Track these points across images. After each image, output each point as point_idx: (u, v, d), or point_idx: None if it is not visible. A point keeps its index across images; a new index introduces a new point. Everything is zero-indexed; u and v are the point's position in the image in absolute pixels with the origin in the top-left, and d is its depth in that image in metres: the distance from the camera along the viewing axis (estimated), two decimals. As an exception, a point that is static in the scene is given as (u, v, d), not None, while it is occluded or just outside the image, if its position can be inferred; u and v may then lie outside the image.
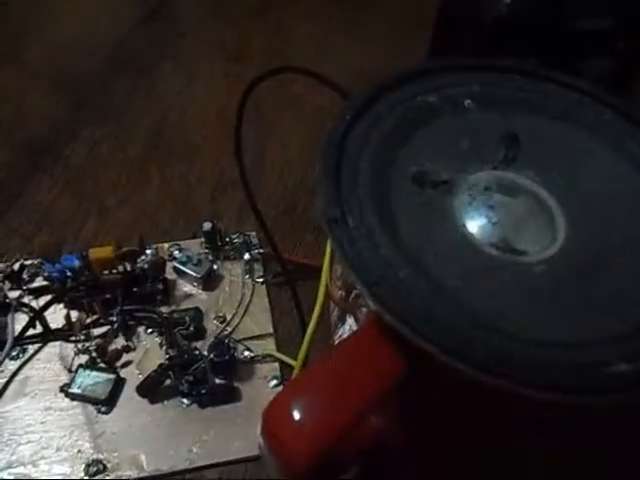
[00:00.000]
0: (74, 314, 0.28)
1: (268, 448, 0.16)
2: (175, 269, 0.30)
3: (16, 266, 0.29)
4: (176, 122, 0.39)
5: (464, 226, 0.18)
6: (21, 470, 0.24)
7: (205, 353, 0.26)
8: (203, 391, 0.26)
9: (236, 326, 0.29)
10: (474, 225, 0.18)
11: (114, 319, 0.27)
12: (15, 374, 0.27)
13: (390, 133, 0.19)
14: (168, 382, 0.26)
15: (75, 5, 0.47)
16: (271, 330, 0.29)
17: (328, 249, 0.22)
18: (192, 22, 0.47)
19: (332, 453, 0.15)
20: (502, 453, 0.19)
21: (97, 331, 0.28)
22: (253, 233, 0.32)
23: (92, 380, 0.26)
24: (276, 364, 0.28)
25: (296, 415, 0.15)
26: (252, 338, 0.28)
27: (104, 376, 0.26)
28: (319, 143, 0.18)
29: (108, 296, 0.28)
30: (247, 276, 0.31)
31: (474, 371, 0.14)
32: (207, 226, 0.30)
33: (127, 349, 0.27)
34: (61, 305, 0.29)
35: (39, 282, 0.29)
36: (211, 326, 0.29)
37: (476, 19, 0.30)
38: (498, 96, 0.20)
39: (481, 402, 0.17)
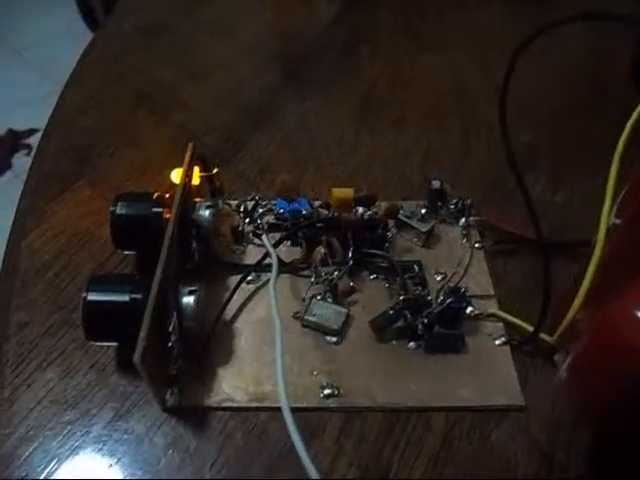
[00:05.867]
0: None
1: (603, 351, 0.15)
2: (397, 223, 0.31)
3: (250, 203, 0.31)
4: (380, 98, 0.41)
5: None
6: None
7: (437, 300, 0.27)
8: (435, 336, 0.26)
9: (456, 284, 0.29)
10: None
11: (349, 258, 0.28)
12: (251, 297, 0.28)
13: None
14: (399, 324, 0.27)
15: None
16: (492, 292, 0.29)
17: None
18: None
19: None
20: None
21: (326, 269, 0.29)
22: (469, 200, 0.32)
23: (326, 311, 0.27)
24: (500, 324, 0.27)
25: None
26: (473, 297, 0.28)
27: (336, 309, 0.27)
28: None
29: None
30: (464, 240, 0.31)
31: None
32: (436, 184, 0.30)
33: (353, 290, 0.28)
34: (289, 242, 0.30)
35: (271, 220, 0.31)
36: (431, 280, 0.29)
37: None
38: None
39: None
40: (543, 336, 0.26)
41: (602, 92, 0.42)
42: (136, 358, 0.21)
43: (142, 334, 0.22)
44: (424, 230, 0.30)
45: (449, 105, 0.40)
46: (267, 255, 0.29)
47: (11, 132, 1.32)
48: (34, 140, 1.27)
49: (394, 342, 0.27)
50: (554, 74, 0.43)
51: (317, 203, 0.31)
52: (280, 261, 0.28)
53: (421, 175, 0.35)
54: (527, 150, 0.37)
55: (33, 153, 0.38)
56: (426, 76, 0.43)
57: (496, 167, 0.36)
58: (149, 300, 0.23)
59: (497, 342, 0.27)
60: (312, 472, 0.18)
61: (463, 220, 0.31)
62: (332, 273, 0.28)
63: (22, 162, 1.25)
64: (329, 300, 0.28)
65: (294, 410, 0.21)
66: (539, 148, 0.37)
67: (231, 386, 0.25)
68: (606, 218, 0.21)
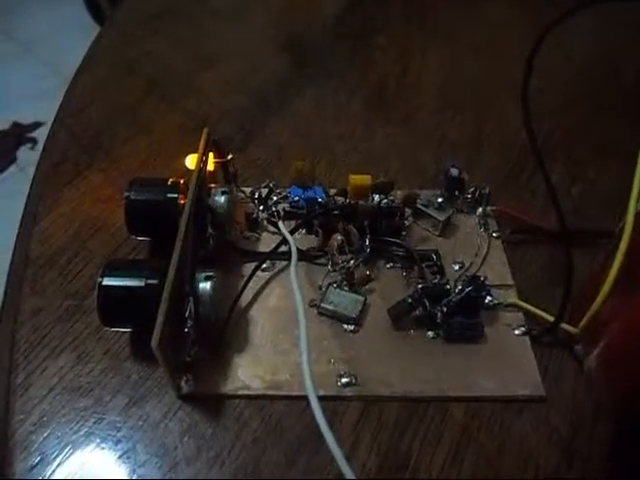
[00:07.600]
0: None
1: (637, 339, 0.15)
2: (414, 211, 0.30)
3: (264, 191, 0.31)
4: (393, 87, 0.41)
5: None
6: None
7: (456, 289, 0.26)
8: (454, 325, 0.25)
9: (475, 273, 0.28)
10: None
11: (366, 246, 0.28)
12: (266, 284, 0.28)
13: None
14: (417, 312, 0.26)
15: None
16: (511, 282, 0.28)
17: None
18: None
19: None
20: None
21: (342, 257, 0.28)
22: (486, 189, 0.31)
23: (343, 299, 0.27)
24: (520, 314, 0.27)
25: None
26: (491, 286, 0.28)
27: (354, 297, 0.27)
28: None
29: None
30: (482, 229, 0.30)
31: None
32: (454, 172, 0.30)
33: (370, 278, 0.28)
34: (304, 230, 0.30)
35: (287, 207, 0.30)
36: (449, 269, 0.29)
37: None
38: None
39: None
40: (565, 326, 0.25)
41: (618, 83, 0.41)
42: (154, 343, 0.21)
43: (159, 319, 0.22)
44: (441, 219, 0.29)
45: (463, 95, 0.40)
46: (282, 243, 0.28)
47: (16, 125, 1.31)
48: (39, 133, 1.27)
49: (412, 331, 0.26)
50: (569, 65, 0.42)
51: (332, 191, 0.31)
52: (297, 249, 0.28)
53: (435, 165, 0.34)
54: (543, 141, 0.36)
55: (38, 146, 0.37)
56: (440, 66, 0.42)
57: (510, 158, 0.35)
58: (166, 285, 0.23)
59: (516, 332, 0.26)
60: (340, 459, 0.18)
61: (480, 209, 0.31)
62: (349, 261, 0.28)
63: (27, 155, 1.25)
64: (346, 288, 0.27)
65: (311, 398, 0.21)
66: (555, 139, 0.36)
67: (247, 374, 0.25)
68: (634, 203, 0.21)
